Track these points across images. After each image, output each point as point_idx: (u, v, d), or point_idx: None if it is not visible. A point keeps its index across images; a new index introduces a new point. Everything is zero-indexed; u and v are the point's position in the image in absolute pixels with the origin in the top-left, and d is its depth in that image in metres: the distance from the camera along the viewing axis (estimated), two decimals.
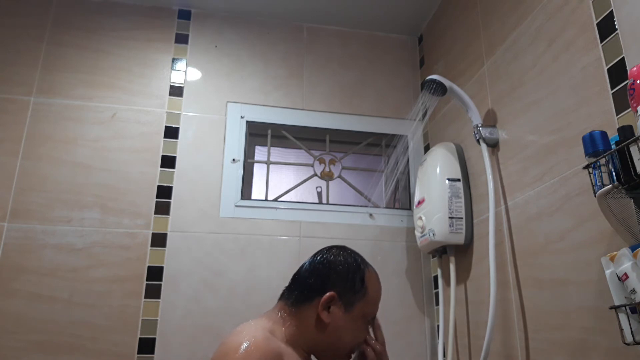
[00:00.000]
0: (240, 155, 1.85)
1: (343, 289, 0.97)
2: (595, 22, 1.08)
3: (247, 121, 1.91)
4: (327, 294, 0.95)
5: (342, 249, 1.04)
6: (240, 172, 1.83)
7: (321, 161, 1.99)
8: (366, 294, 0.99)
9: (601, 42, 1.06)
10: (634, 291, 0.84)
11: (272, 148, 1.97)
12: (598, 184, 0.92)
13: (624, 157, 0.84)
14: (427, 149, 1.96)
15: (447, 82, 1.51)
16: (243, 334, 0.88)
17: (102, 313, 1.58)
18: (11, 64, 1.78)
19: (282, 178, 1.96)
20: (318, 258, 1.02)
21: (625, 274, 0.85)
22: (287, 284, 1.02)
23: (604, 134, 0.92)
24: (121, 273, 1.63)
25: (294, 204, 1.85)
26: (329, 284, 0.97)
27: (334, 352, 0.98)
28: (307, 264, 1.02)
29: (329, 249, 1.04)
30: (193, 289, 1.66)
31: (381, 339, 1.02)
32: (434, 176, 1.62)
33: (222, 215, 1.76)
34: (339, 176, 1.98)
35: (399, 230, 1.87)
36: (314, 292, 0.96)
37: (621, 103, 0.99)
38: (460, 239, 1.54)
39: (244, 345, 0.84)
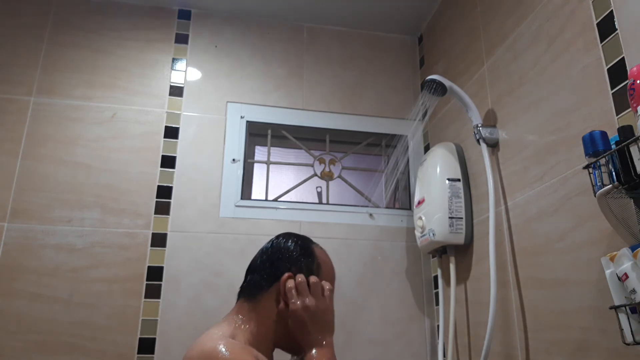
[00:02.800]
0: (240, 155, 1.85)
1: (297, 269, 0.96)
2: (595, 22, 1.08)
3: (247, 121, 1.91)
4: (285, 274, 0.94)
5: (286, 234, 1.04)
6: (240, 172, 1.83)
7: (321, 161, 1.99)
8: (320, 271, 0.99)
9: (601, 42, 1.06)
10: (634, 291, 0.84)
11: (272, 148, 1.97)
12: (598, 184, 0.92)
13: (624, 157, 0.84)
14: (427, 149, 1.97)
15: (447, 82, 1.51)
16: (206, 346, 0.84)
17: (102, 313, 1.58)
18: (11, 64, 1.78)
19: (282, 178, 1.96)
20: (266, 247, 1.02)
21: (625, 274, 0.85)
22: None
23: (604, 134, 0.92)
24: (121, 273, 1.63)
25: (294, 204, 1.85)
26: (283, 268, 0.96)
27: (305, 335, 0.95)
28: (256, 255, 1.02)
29: (275, 237, 1.04)
30: (193, 288, 1.66)
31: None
32: (434, 176, 1.62)
33: (222, 215, 1.76)
34: (339, 176, 1.98)
35: (399, 230, 1.87)
36: (269, 279, 0.96)
37: (621, 103, 0.99)
38: (460, 239, 1.54)
39: (222, 351, 0.81)
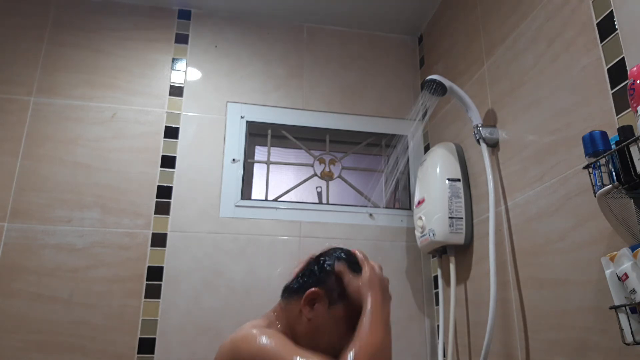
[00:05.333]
0: (240, 155, 1.85)
1: (329, 286, 0.97)
2: (595, 22, 1.08)
3: (247, 121, 1.91)
4: (311, 289, 0.96)
5: (341, 250, 1.04)
6: (240, 172, 1.83)
7: (321, 161, 1.99)
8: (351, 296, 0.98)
9: (601, 42, 1.06)
10: (634, 291, 0.84)
11: (272, 148, 1.97)
12: (598, 184, 0.92)
13: (624, 157, 0.84)
14: (427, 149, 1.96)
15: (447, 82, 1.51)
16: (238, 334, 0.90)
17: (102, 313, 1.58)
18: (11, 64, 1.78)
19: (282, 178, 1.96)
20: (319, 258, 1.02)
21: (625, 274, 0.85)
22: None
23: (604, 134, 0.92)
24: (121, 273, 1.63)
25: (294, 204, 1.85)
26: (319, 281, 0.97)
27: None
28: (311, 261, 1.04)
29: (333, 249, 1.04)
30: (193, 289, 1.65)
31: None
32: (434, 176, 1.62)
33: (222, 215, 1.76)
34: (339, 176, 1.98)
35: (399, 230, 1.87)
36: (303, 288, 0.97)
37: (621, 103, 0.99)
38: (460, 239, 1.54)
39: (253, 332, 0.87)
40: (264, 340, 0.86)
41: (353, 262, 1.00)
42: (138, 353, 1.56)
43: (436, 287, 1.78)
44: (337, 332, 0.96)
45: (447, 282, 1.64)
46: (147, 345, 1.57)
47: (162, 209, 1.72)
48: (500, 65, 1.47)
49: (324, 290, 0.96)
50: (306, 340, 0.94)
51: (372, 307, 0.91)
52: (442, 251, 1.63)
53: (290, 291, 1.00)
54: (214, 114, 1.88)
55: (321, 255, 1.04)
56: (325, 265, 1.00)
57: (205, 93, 1.91)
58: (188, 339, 1.60)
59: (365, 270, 0.98)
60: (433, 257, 1.80)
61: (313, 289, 0.96)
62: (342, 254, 1.02)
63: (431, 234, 1.56)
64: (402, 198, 1.99)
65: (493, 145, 1.45)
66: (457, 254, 1.60)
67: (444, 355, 1.61)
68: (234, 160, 1.83)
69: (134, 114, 1.82)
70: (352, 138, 2.03)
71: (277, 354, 0.84)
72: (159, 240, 1.69)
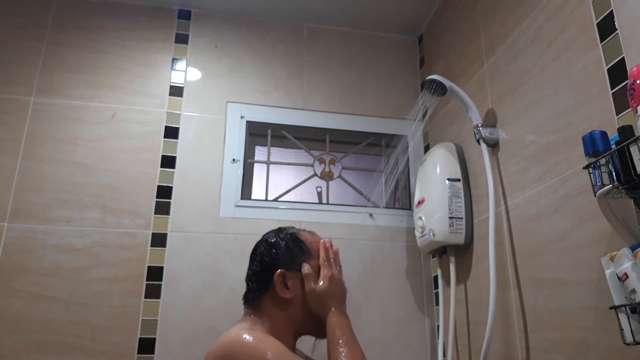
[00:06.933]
0: (240, 155, 1.85)
1: (286, 261, 1.02)
2: (595, 22, 1.08)
3: (247, 121, 1.91)
4: (275, 273, 1.00)
5: (266, 234, 1.10)
6: (240, 172, 1.83)
7: (321, 161, 1.99)
8: (309, 251, 1.04)
9: (601, 42, 1.06)
10: (634, 291, 0.84)
11: (272, 148, 1.97)
12: (598, 184, 0.92)
13: (624, 157, 0.84)
14: (427, 149, 1.96)
15: (447, 82, 1.51)
16: (226, 339, 0.92)
17: (102, 313, 1.58)
18: (11, 64, 1.78)
19: (282, 178, 1.96)
20: (254, 253, 1.08)
21: (625, 274, 0.85)
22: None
23: (604, 134, 0.92)
24: (121, 273, 1.63)
25: (294, 204, 1.85)
26: (274, 266, 1.01)
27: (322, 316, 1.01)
28: (248, 265, 1.09)
29: (259, 241, 1.10)
30: (193, 289, 1.65)
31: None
32: (434, 176, 1.62)
33: (222, 215, 1.76)
34: (339, 176, 1.98)
35: (399, 230, 1.87)
36: (265, 281, 1.01)
37: (621, 103, 0.99)
38: (460, 239, 1.54)
39: (244, 337, 0.89)
40: (258, 342, 0.88)
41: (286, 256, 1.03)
42: (138, 353, 1.56)
43: (436, 287, 1.78)
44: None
45: (447, 282, 1.64)
46: (147, 345, 1.57)
47: (162, 209, 1.72)
48: (500, 65, 1.47)
49: (285, 267, 1.01)
50: (309, 315, 0.99)
51: (339, 329, 0.95)
52: (442, 251, 1.63)
53: (257, 293, 1.03)
54: (214, 114, 1.88)
55: (255, 248, 1.09)
56: (267, 249, 1.05)
57: (205, 93, 1.91)
58: (188, 339, 1.60)
59: (324, 275, 1.01)
60: (433, 257, 1.80)
61: (277, 272, 1.00)
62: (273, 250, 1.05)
63: (431, 234, 1.56)
64: (402, 198, 1.99)
65: (493, 145, 1.45)
66: (457, 254, 1.60)
67: (444, 355, 1.61)
68: (234, 160, 1.83)
69: (134, 114, 1.82)
70: (352, 138, 2.03)
71: (274, 354, 0.85)
72: (159, 240, 1.69)
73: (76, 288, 1.59)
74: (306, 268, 1.01)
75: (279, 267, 1.01)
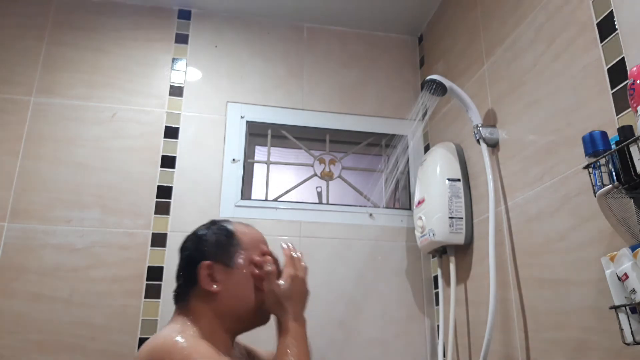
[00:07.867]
0: (240, 155, 1.85)
1: (213, 252, 0.97)
2: (595, 22, 1.08)
3: (247, 121, 1.91)
4: (200, 265, 0.95)
5: (197, 229, 1.05)
6: (240, 172, 1.83)
7: (321, 161, 1.99)
8: (239, 241, 0.99)
9: (601, 42, 1.06)
10: (634, 291, 0.84)
11: (272, 148, 1.97)
12: (598, 184, 0.92)
13: (624, 157, 0.84)
14: (427, 149, 1.96)
15: (447, 82, 1.51)
16: (154, 342, 0.87)
17: (102, 313, 1.58)
18: (11, 64, 1.78)
19: (282, 178, 1.96)
20: (181, 250, 1.05)
21: (625, 274, 0.85)
22: None
23: (604, 134, 0.92)
24: (121, 273, 1.63)
25: (294, 204, 1.85)
26: (200, 259, 0.97)
27: (252, 313, 0.97)
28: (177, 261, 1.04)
29: (188, 235, 1.06)
30: None
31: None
32: (434, 176, 1.62)
33: (222, 215, 1.75)
34: (339, 176, 1.98)
35: (399, 230, 1.87)
36: (192, 276, 0.96)
37: (621, 103, 0.99)
38: (460, 239, 1.54)
39: (175, 342, 0.85)
40: (189, 352, 0.83)
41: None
42: None
43: (436, 287, 1.78)
44: (251, 280, 0.97)
45: (447, 282, 1.64)
46: None
47: (162, 209, 1.72)
48: (500, 65, 1.47)
49: (212, 259, 0.96)
50: (237, 311, 0.95)
51: (291, 335, 0.90)
52: (442, 251, 1.63)
53: (185, 289, 0.98)
54: (214, 114, 1.88)
55: (182, 244, 1.05)
56: (193, 243, 1.02)
57: (205, 93, 1.91)
58: None
59: (287, 275, 0.96)
60: (433, 257, 1.80)
61: (201, 263, 0.95)
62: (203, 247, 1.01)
63: (431, 234, 1.56)
64: (402, 198, 1.99)
65: (493, 145, 1.45)
66: (457, 254, 1.60)
67: (444, 355, 1.61)
68: (234, 160, 1.83)
69: (134, 114, 1.82)
70: (352, 138, 2.03)
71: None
72: (159, 240, 1.69)
73: (76, 288, 1.59)
74: (269, 266, 0.97)
75: (206, 260, 0.96)
